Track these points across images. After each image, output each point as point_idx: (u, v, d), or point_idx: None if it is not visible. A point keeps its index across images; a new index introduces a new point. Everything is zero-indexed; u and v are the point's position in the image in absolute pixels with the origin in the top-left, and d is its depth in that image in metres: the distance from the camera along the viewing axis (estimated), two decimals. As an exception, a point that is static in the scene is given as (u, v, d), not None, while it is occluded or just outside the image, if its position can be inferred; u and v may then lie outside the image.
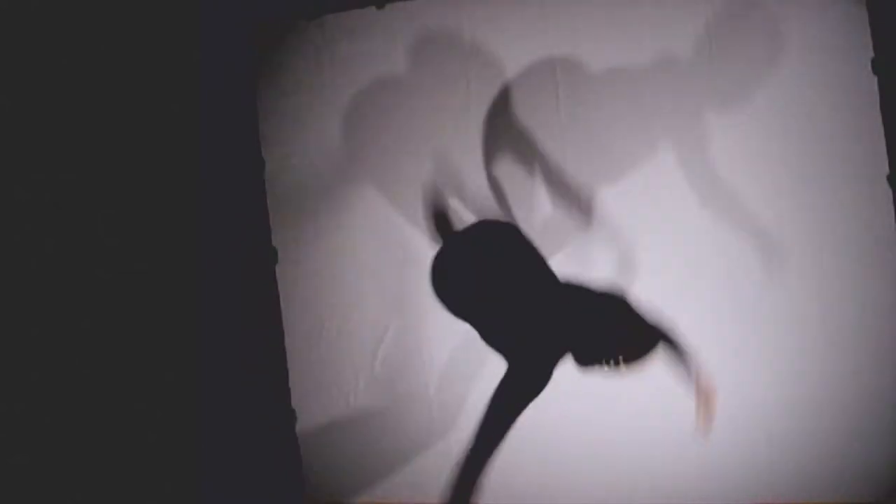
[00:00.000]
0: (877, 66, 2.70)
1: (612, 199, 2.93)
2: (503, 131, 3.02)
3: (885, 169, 2.71)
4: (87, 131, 2.93)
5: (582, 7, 2.94)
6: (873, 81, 2.71)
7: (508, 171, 3.02)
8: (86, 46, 2.92)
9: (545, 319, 2.04)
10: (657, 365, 2.91)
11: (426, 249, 3.02)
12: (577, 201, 2.96)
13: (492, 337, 2.06)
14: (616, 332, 2.01)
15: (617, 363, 1.95)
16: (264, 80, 3.23)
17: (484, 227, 2.35)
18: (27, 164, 2.78)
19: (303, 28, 3.19)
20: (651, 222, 2.92)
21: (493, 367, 3.03)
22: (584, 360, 2.04)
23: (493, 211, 3.00)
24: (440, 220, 2.06)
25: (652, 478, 2.90)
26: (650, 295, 2.92)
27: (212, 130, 3.19)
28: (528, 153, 3.00)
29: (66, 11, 2.88)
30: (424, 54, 3.08)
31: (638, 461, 2.91)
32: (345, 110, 3.15)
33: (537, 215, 3.01)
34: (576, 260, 2.96)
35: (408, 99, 3.10)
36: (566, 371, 2.97)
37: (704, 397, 2.10)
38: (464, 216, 3.01)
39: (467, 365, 3.04)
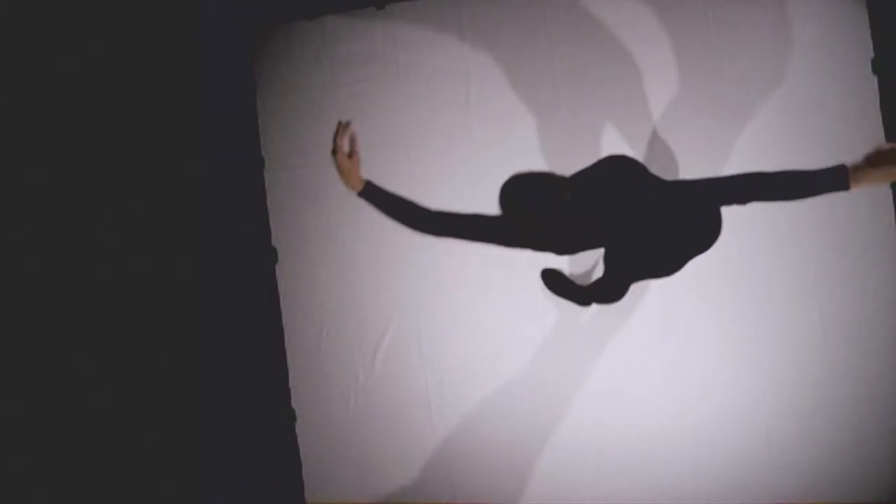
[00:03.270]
0: (877, 66, 2.70)
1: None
2: (503, 132, 3.02)
3: (885, 169, 2.71)
4: (87, 131, 2.93)
5: (583, 6, 2.95)
6: (873, 81, 2.71)
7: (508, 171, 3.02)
8: (86, 47, 2.92)
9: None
10: (657, 366, 2.92)
11: (426, 250, 3.03)
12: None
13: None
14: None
15: None
16: (264, 80, 3.23)
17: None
18: (27, 164, 2.78)
19: (303, 28, 3.19)
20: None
21: (493, 366, 3.04)
22: None
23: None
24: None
25: (652, 478, 2.90)
26: (650, 295, 2.94)
27: (212, 130, 3.20)
28: (529, 151, 3.01)
29: (66, 11, 2.89)
30: (424, 54, 3.09)
31: (638, 461, 2.91)
32: (345, 110, 3.15)
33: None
34: (574, 259, 2.97)
35: (407, 98, 3.10)
36: (568, 372, 2.98)
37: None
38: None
39: (467, 364, 3.04)
